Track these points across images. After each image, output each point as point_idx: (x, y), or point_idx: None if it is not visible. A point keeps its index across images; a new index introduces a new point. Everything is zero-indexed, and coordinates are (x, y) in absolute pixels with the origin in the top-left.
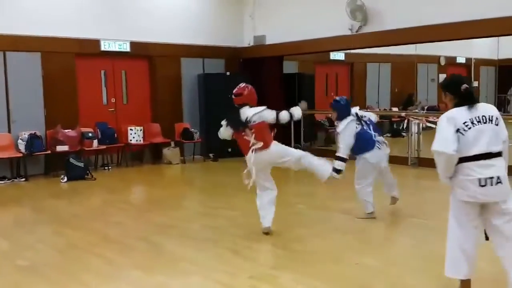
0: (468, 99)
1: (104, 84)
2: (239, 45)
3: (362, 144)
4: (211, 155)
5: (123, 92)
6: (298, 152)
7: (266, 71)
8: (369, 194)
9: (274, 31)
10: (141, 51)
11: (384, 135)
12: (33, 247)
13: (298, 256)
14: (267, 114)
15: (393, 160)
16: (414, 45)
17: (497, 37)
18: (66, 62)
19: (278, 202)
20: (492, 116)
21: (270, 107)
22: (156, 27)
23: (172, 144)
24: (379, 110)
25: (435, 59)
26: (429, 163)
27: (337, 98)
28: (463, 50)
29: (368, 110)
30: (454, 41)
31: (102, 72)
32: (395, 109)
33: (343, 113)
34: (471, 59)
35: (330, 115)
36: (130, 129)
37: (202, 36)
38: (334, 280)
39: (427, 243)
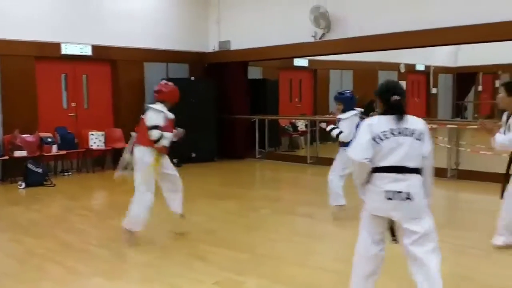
0: (396, 109)
1: (64, 88)
2: (204, 50)
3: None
4: (174, 160)
5: (84, 96)
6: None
7: (231, 77)
8: (340, 188)
9: (239, 37)
10: (103, 55)
11: None
12: None
13: (263, 260)
14: (152, 117)
15: None
16: (375, 52)
17: (455, 45)
18: (25, 66)
19: (243, 207)
20: (415, 130)
21: (235, 112)
22: (119, 31)
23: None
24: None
25: (395, 66)
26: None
27: (341, 91)
28: (422, 58)
29: (332, 115)
30: (414, 48)
31: (63, 76)
32: None
33: (349, 105)
34: (430, 66)
35: (336, 109)
36: (91, 134)
37: (166, 40)
38: (300, 285)
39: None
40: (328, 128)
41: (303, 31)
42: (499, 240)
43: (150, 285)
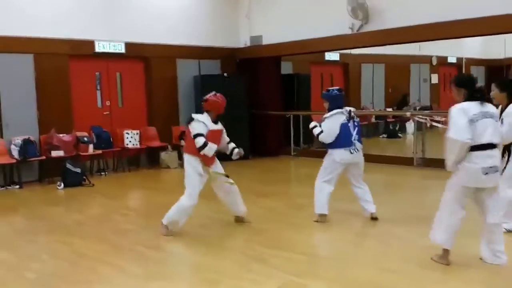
0: (481, 96)
1: (98, 87)
2: (235, 45)
3: (338, 138)
4: None
5: (118, 94)
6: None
7: (263, 72)
8: (326, 195)
9: (271, 31)
10: (136, 52)
11: (380, 136)
12: (39, 258)
13: (323, 262)
14: (194, 127)
15: (398, 161)
16: (407, 45)
17: (487, 37)
18: (59, 64)
19: (288, 205)
20: (493, 113)
21: (269, 108)
22: (151, 28)
23: (170, 148)
24: (374, 110)
25: (427, 59)
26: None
27: (330, 88)
28: (454, 50)
29: (364, 109)
30: (451, 39)
31: (97, 74)
32: (389, 109)
33: (334, 103)
34: (462, 58)
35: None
36: (126, 133)
37: (198, 36)
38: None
39: None
40: (311, 126)
41: (339, 23)
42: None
43: (214, 286)
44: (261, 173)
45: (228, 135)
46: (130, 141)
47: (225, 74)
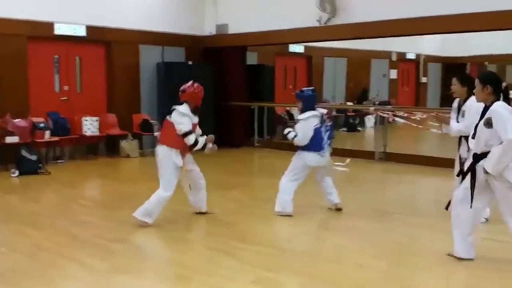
0: (507, 95)
1: (56, 71)
2: (201, 33)
3: (310, 141)
4: None
5: (77, 79)
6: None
7: (229, 62)
8: (291, 194)
9: (237, 20)
10: (98, 36)
11: (340, 129)
12: None
13: (294, 256)
14: (179, 121)
15: (359, 154)
16: (369, 40)
17: (444, 35)
18: (17, 46)
19: (255, 197)
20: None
21: (233, 98)
22: (114, 12)
23: (130, 136)
24: (335, 103)
25: (387, 54)
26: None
27: (303, 88)
28: (413, 46)
29: (326, 104)
30: (418, 35)
31: (55, 57)
32: (349, 103)
33: (308, 104)
34: (420, 55)
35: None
36: (85, 120)
37: (162, 22)
38: (344, 284)
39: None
40: (285, 132)
41: (306, 16)
42: None
43: (186, 284)
44: (226, 165)
45: None
46: (88, 128)
47: (189, 62)
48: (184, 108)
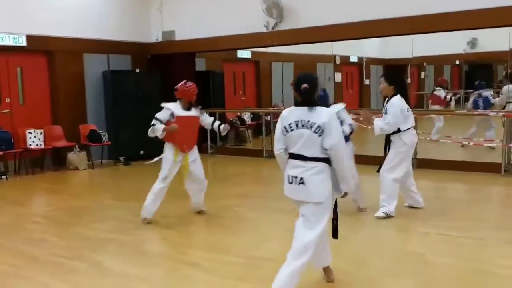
0: (303, 100)
1: None
2: (147, 40)
3: None
4: (121, 158)
5: (19, 91)
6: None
7: (177, 69)
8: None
9: (184, 27)
10: (39, 46)
11: None
12: None
13: (262, 264)
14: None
15: None
16: (315, 44)
17: (384, 38)
18: None
19: (214, 206)
20: (314, 124)
21: None
22: (56, 20)
23: (77, 148)
24: (285, 108)
25: (331, 58)
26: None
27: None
28: (355, 50)
29: (275, 107)
30: (365, 39)
31: None
32: None
33: (322, 104)
34: (362, 58)
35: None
36: (29, 132)
37: (106, 30)
38: None
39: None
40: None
41: (254, 21)
42: (379, 212)
43: None
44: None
45: (141, 133)
46: (33, 141)
47: (136, 70)
48: (170, 104)
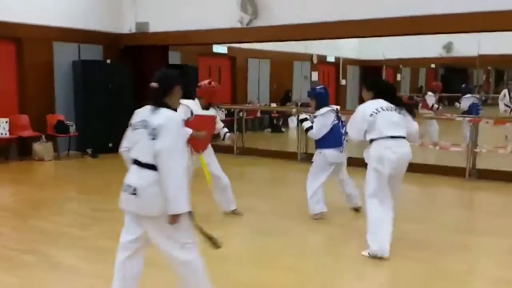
0: (153, 99)
1: None
2: (120, 31)
3: (330, 138)
4: (89, 150)
5: None
6: None
7: (150, 61)
8: (317, 193)
9: (158, 18)
10: (7, 33)
11: (265, 130)
12: None
13: (216, 262)
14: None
15: (282, 155)
16: (292, 42)
17: (360, 38)
18: None
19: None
20: (150, 125)
21: None
22: (25, 6)
23: (44, 138)
24: (260, 105)
25: (308, 57)
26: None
27: (314, 87)
28: (332, 50)
29: (250, 104)
30: (338, 39)
31: None
32: (273, 104)
33: (323, 101)
34: (339, 58)
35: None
36: None
37: (78, 18)
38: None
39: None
40: (301, 117)
41: (228, 16)
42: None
43: None
44: None
45: (110, 126)
46: None
47: (108, 61)
48: (188, 101)
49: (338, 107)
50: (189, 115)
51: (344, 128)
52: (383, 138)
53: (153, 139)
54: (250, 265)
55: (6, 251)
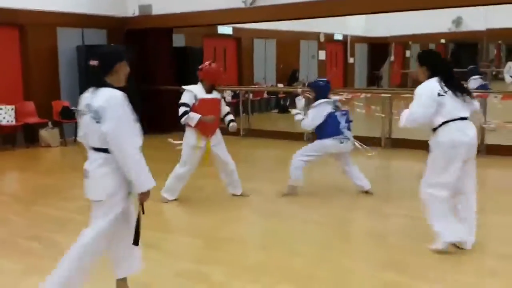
0: (91, 79)
1: None
2: (123, 14)
3: (326, 128)
4: None
5: None
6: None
7: (154, 44)
8: (300, 168)
9: (161, 1)
10: (10, 19)
11: (272, 111)
12: None
13: (223, 245)
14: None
15: (290, 136)
16: (298, 21)
17: (369, 15)
18: None
19: (185, 186)
20: (92, 107)
21: (160, 82)
22: None
23: (50, 124)
24: (266, 85)
25: (315, 36)
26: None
27: (318, 79)
28: (340, 27)
29: (257, 85)
30: (342, 16)
31: None
32: (280, 85)
33: (321, 94)
34: (347, 36)
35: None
36: (0, 109)
37: (81, 3)
38: (272, 272)
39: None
40: (293, 112)
41: None
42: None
43: (104, 282)
44: (154, 151)
45: None
46: (4, 118)
47: (111, 45)
48: (192, 86)
49: (338, 98)
50: (193, 100)
51: (345, 119)
52: (454, 120)
53: (98, 122)
54: (257, 248)
55: (11, 237)
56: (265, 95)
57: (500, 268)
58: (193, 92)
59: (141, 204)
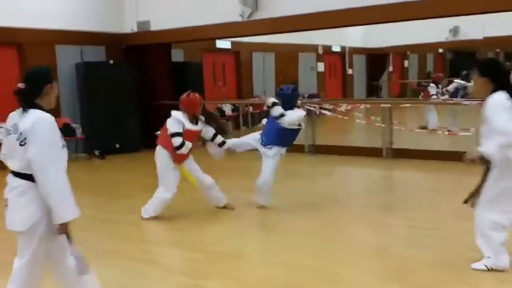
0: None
1: None
2: (121, 31)
3: (286, 137)
4: (96, 152)
5: None
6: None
7: (153, 60)
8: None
9: (159, 16)
10: (8, 38)
11: None
12: None
13: (223, 260)
14: (171, 125)
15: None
16: (296, 34)
17: (367, 26)
18: None
19: (181, 199)
20: (18, 129)
21: (160, 98)
22: (25, 10)
23: None
24: (265, 99)
25: (313, 48)
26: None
27: (283, 86)
28: (338, 39)
29: (256, 99)
30: (342, 28)
31: None
32: None
33: (288, 103)
34: (345, 47)
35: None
36: (0, 127)
37: (79, 20)
38: (273, 286)
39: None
40: (271, 100)
41: (229, 10)
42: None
43: None
44: (152, 166)
45: (116, 126)
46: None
47: (110, 62)
48: (179, 114)
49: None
50: (181, 129)
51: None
52: None
53: (22, 144)
54: (259, 262)
55: (9, 256)
56: (265, 108)
57: (508, 277)
58: (182, 122)
59: (67, 235)
